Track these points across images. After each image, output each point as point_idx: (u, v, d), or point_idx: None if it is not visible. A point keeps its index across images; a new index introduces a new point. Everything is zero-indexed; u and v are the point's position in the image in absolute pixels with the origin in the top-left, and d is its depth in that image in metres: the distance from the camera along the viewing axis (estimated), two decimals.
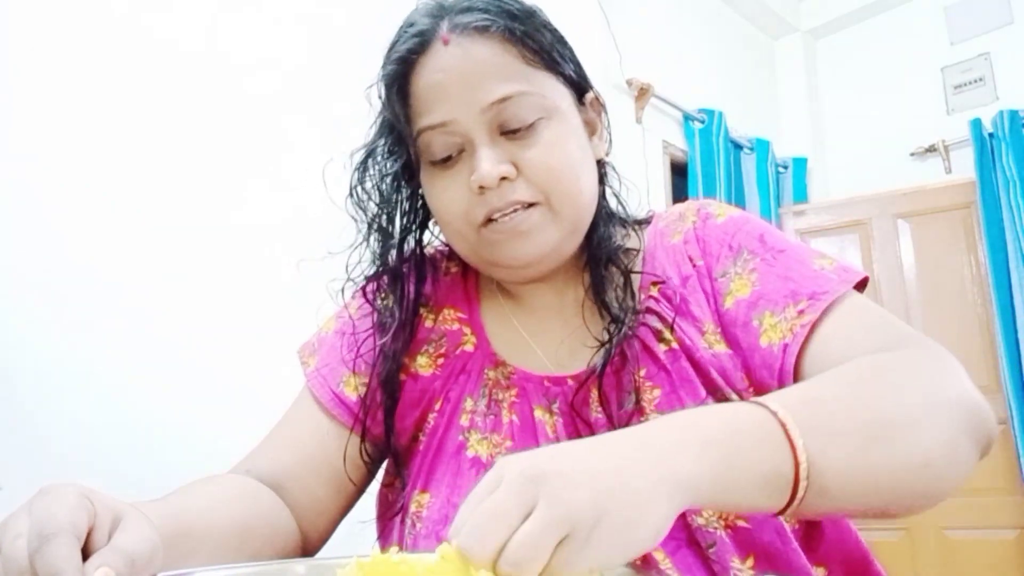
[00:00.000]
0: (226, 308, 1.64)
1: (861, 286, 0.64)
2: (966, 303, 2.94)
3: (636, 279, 0.70)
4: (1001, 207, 2.89)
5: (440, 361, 0.74)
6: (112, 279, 1.49)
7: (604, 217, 0.72)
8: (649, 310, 0.68)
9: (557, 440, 0.67)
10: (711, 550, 0.60)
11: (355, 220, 0.72)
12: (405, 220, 0.74)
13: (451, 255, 0.80)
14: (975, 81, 3.26)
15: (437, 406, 0.72)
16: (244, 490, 0.64)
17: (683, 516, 0.61)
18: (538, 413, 0.68)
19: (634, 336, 0.66)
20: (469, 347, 0.74)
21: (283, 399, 0.76)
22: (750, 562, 0.60)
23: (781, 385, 0.60)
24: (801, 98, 3.69)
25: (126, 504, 0.43)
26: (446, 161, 0.66)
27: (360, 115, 0.73)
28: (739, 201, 3.12)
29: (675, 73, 3.07)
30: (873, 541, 0.65)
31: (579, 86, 0.71)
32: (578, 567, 0.36)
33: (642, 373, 0.66)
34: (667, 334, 0.67)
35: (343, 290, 0.74)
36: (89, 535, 0.39)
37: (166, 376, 1.51)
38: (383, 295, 0.74)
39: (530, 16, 0.66)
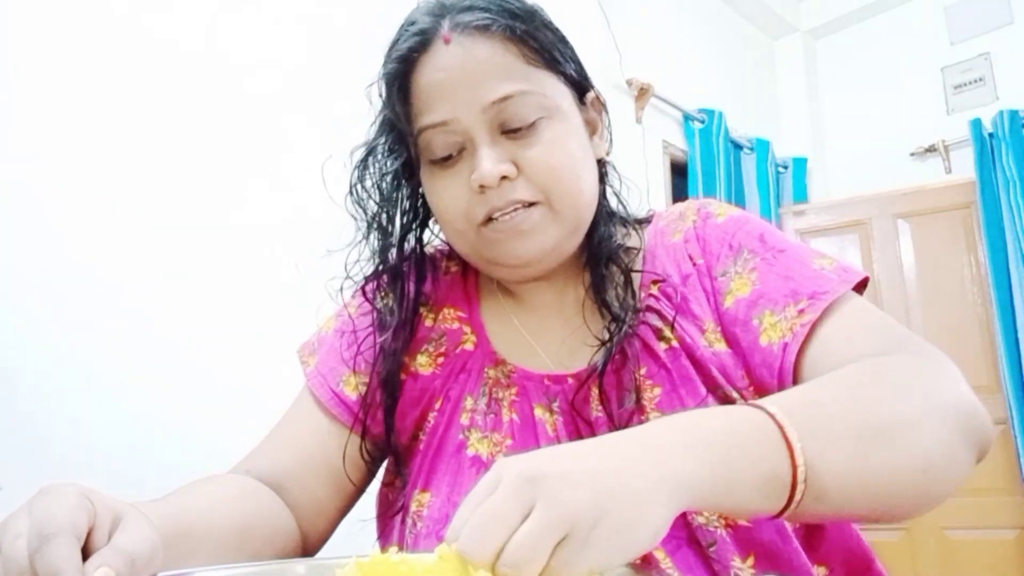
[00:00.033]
0: (226, 308, 1.63)
1: (861, 287, 0.65)
2: (966, 303, 2.94)
3: (636, 278, 0.70)
4: (1001, 207, 2.89)
5: (440, 360, 0.74)
6: (112, 279, 1.49)
7: (604, 216, 0.72)
8: (649, 308, 0.68)
9: (557, 439, 0.67)
10: (711, 549, 0.60)
11: (354, 219, 0.72)
12: (405, 219, 0.74)
13: (451, 254, 0.80)
14: (975, 81, 3.26)
15: (437, 405, 0.72)
16: (244, 490, 0.64)
17: (683, 515, 0.61)
18: (538, 412, 0.68)
19: (634, 335, 0.66)
20: (469, 346, 0.74)
21: (283, 399, 0.76)
22: (751, 561, 0.60)
23: (780, 384, 0.60)
24: (801, 98, 3.69)
25: (126, 504, 0.43)
26: (446, 160, 0.66)
27: (360, 115, 0.73)
28: (739, 201, 3.12)
29: (675, 73, 3.07)
30: (873, 541, 0.65)
31: (580, 85, 0.71)
32: (577, 567, 0.36)
33: (642, 371, 0.66)
34: (667, 332, 0.67)
35: (342, 289, 0.74)
36: (89, 535, 0.39)
37: (166, 376, 1.51)
38: (383, 294, 0.74)
39: (531, 15, 0.66)
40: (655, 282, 0.69)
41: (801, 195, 3.43)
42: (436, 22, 0.65)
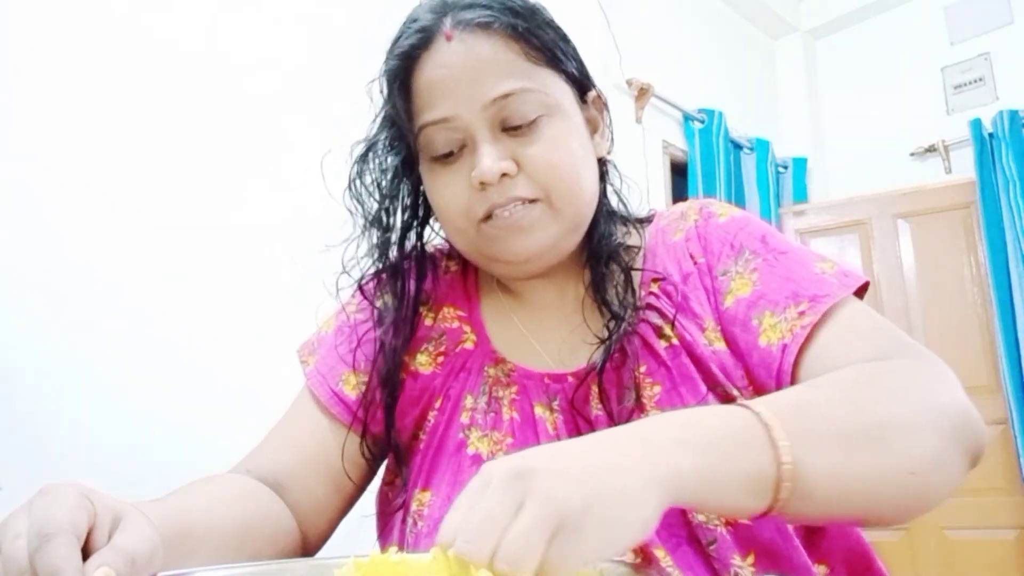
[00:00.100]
0: (226, 308, 1.63)
1: (862, 291, 0.65)
2: (966, 303, 2.94)
3: (636, 276, 0.70)
4: (1001, 207, 2.89)
5: (440, 359, 0.74)
6: (112, 279, 1.49)
7: (605, 215, 0.72)
8: (649, 306, 0.68)
9: (558, 437, 0.67)
10: (711, 547, 0.60)
11: (351, 212, 0.72)
12: (405, 216, 0.74)
13: (451, 253, 0.80)
14: (975, 81, 3.26)
15: (437, 404, 0.72)
16: (244, 490, 0.64)
17: (683, 513, 0.61)
18: (538, 410, 0.68)
19: (634, 333, 0.67)
20: (469, 345, 0.74)
21: (283, 399, 0.76)
22: (751, 559, 0.60)
23: (778, 385, 0.61)
24: (801, 98, 3.69)
25: (126, 504, 0.43)
26: (447, 157, 0.66)
27: (360, 115, 0.73)
28: (739, 201, 3.12)
29: (675, 73, 3.07)
30: (873, 540, 0.65)
31: (581, 84, 0.71)
32: (573, 560, 0.36)
33: (642, 369, 0.66)
34: (667, 330, 0.67)
35: (338, 283, 0.74)
36: (89, 535, 0.39)
37: (166, 376, 1.51)
38: (383, 292, 0.74)
39: (533, 13, 0.66)
40: (655, 280, 0.69)
41: (801, 195, 3.43)
42: (438, 19, 0.65)
